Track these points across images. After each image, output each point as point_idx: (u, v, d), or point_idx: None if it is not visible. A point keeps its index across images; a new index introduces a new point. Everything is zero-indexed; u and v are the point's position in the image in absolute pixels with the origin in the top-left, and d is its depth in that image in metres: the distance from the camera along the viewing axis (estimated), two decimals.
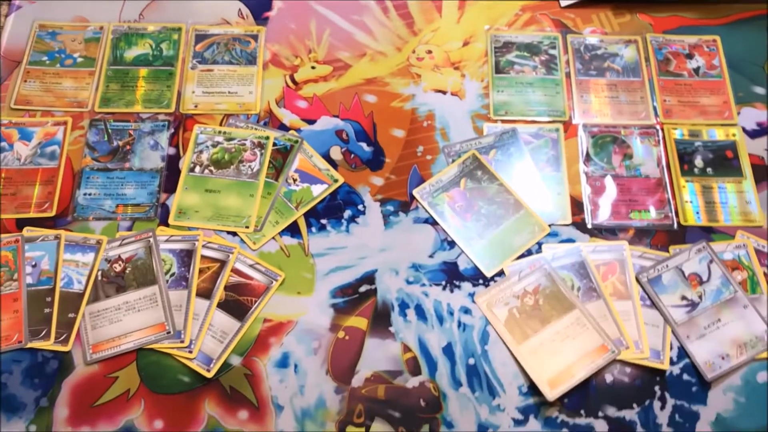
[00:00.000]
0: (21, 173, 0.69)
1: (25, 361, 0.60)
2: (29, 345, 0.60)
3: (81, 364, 0.60)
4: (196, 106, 0.73)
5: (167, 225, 0.66)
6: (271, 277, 0.64)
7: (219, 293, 0.63)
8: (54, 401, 0.59)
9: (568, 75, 0.76)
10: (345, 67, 0.76)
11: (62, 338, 0.61)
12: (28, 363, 0.60)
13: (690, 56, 0.77)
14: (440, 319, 0.63)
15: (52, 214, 0.67)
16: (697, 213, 0.68)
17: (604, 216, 0.68)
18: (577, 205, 0.68)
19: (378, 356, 0.61)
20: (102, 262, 0.64)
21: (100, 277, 0.63)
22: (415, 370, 0.61)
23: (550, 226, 0.67)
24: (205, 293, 0.63)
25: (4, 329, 0.61)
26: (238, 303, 0.63)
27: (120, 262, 0.64)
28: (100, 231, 0.66)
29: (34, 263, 0.64)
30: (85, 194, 0.68)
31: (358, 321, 0.63)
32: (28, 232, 0.65)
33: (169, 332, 0.61)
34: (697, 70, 0.76)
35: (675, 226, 0.67)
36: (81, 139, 0.71)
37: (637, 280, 0.64)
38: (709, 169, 0.70)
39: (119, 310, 0.62)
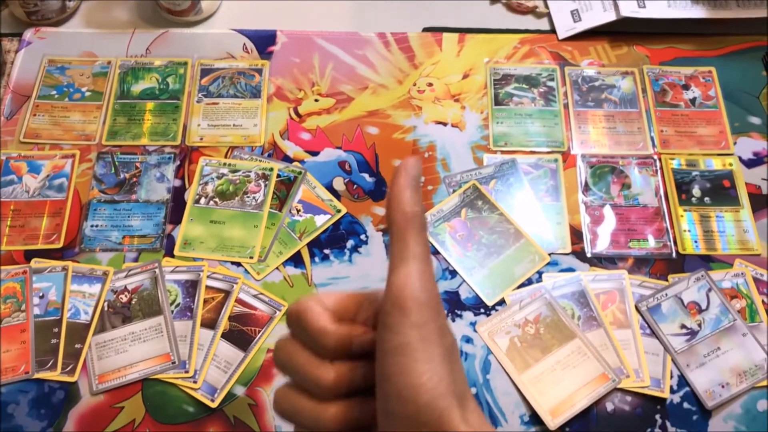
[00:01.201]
0: (29, 205, 0.70)
1: (31, 392, 0.61)
2: (36, 375, 0.61)
3: (87, 394, 0.61)
4: (201, 139, 0.74)
5: (173, 256, 0.67)
6: (275, 307, 0.65)
7: (223, 323, 0.64)
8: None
9: (566, 106, 0.77)
10: (348, 100, 0.77)
11: (69, 369, 0.62)
12: (35, 393, 0.61)
13: (686, 87, 0.78)
14: None
15: (60, 245, 0.68)
16: (696, 242, 0.69)
17: (603, 245, 0.69)
18: (576, 235, 0.69)
19: None
20: (108, 293, 0.65)
21: (106, 308, 0.64)
22: None
23: (550, 255, 0.68)
24: (210, 323, 0.64)
25: (11, 360, 0.62)
26: (242, 333, 0.64)
27: (126, 293, 0.65)
28: (107, 262, 0.67)
29: (41, 294, 0.65)
30: (92, 226, 0.69)
31: None
32: (36, 263, 0.66)
33: (174, 362, 0.62)
34: (693, 101, 0.77)
35: (674, 254, 0.68)
36: (88, 172, 0.72)
37: (637, 308, 0.65)
38: (706, 199, 0.71)
39: (125, 340, 0.63)
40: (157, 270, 0.66)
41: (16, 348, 0.62)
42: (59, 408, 0.60)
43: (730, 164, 0.73)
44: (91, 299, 0.65)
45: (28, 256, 0.67)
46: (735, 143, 0.75)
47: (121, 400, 0.61)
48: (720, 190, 0.72)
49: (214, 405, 0.60)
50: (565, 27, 0.82)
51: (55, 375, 0.61)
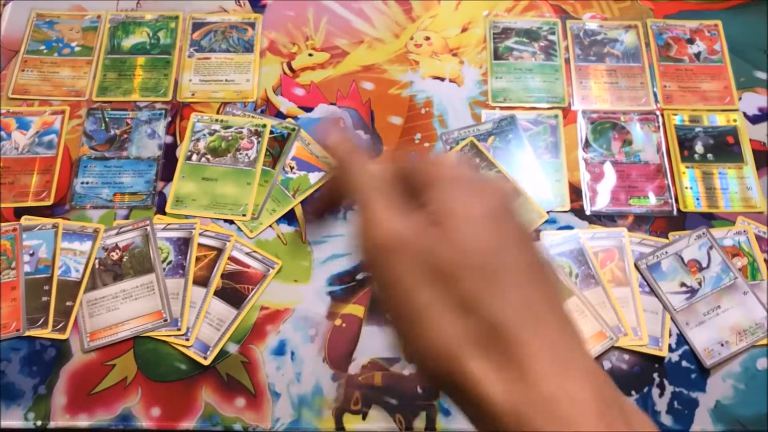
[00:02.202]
0: (19, 162, 0.69)
1: (23, 349, 0.61)
2: (27, 333, 0.61)
3: (78, 352, 0.60)
4: (193, 95, 0.73)
5: (164, 213, 0.66)
6: (268, 265, 0.64)
7: (216, 281, 0.63)
8: (52, 389, 0.59)
9: (567, 61, 0.75)
10: (342, 55, 0.75)
11: (60, 326, 0.61)
12: (27, 351, 0.60)
13: (691, 41, 0.76)
14: None
15: (50, 202, 0.67)
16: (697, 199, 0.67)
17: (603, 202, 0.67)
18: (575, 192, 0.68)
19: (375, 344, 0.61)
20: (99, 251, 0.64)
21: (97, 266, 0.63)
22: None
23: (548, 212, 0.66)
24: (202, 281, 0.63)
25: (2, 318, 0.61)
26: (234, 291, 0.63)
27: (117, 251, 0.64)
28: (98, 219, 0.66)
29: (32, 252, 0.64)
30: (82, 183, 0.68)
31: (355, 308, 0.63)
32: (26, 220, 0.66)
33: (166, 320, 0.61)
34: (698, 55, 0.75)
35: (675, 212, 0.67)
36: (78, 128, 0.71)
37: (636, 266, 0.64)
38: (709, 155, 0.70)
39: (116, 298, 0.62)
40: (148, 227, 0.65)
41: (6, 305, 0.61)
42: (51, 365, 0.60)
43: (735, 120, 0.71)
44: (82, 257, 0.64)
45: (18, 213, 0.66)
46: (740, 99, 0.73)
47: (113, 358, 0.60)
48: (723, 147, 0.70)
49: (206, 362, 0.60)
50: None
51: (46, 332, 0.61)
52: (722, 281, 0.63)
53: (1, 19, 0.77)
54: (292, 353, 0.61)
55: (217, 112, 0.71)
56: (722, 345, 0.61)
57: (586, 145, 0.70)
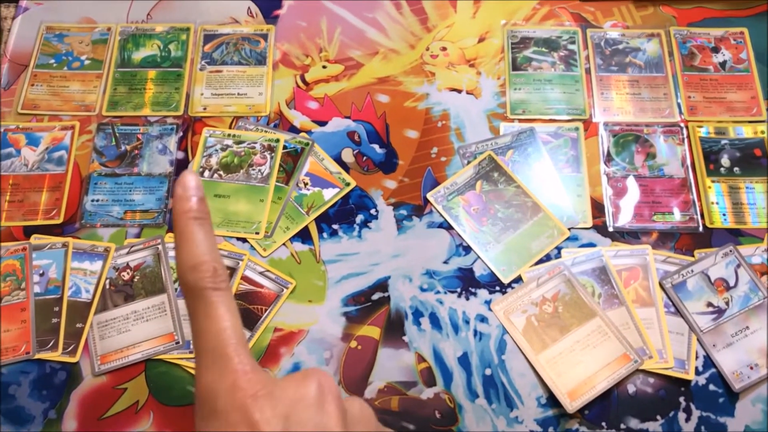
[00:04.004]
0: (28, 179, 0.68)
1: (32, 373, 0.59)
2: (37, 356, 0.59)
3: (89, 375, 0.59)
4: (204, 109, 0.71)
5: None
6: (282, 284, 0.62)
7: None
8: (62, 413, 0.58)
9: (588, 71, 0.73)
10: (357, 66, 0.74)
11: (70, 349, 0.60)
12: (36, 374, 0.59)
13: (716, 50, 0.74)
14: (455, 328, 0.61)
15: (60, 221, 0.66)
16: (724, 215, 0.65)
17: (626, 219, 0.65)
18: (597, 208, 0.66)
19: (391, 366, 0.60)
20: (110, 270, 0.63)
21: (108, 286, 0.62)
22: (430, 381, 0.59)
23: (569, 229, 0.65)
24: None
25: (12, 340, 0.60)
26: (248, 312, 0.61)
27: (128, 270, 0.63)
28: (108, 238, 0.65)
29: (41, 272, 0.63)
30: (92, 200, 0.66)
31: (371, 330, 0.61)
32: (35, 239, 0.64)
33: (178, 342, 0.60)
34: (723, 65, 0.73)
35: (700, 228, 0.65)
36: (88, 144, 0.69)
37: (661, 285, 0.62)
38: (736, 169, 0.67)
39: (127, 319, 0.61)
40: (160, 246, 0.64)
41: (16, 327, 0.60)
42: (61, 389, 0.59)
43: (762, 132, 0.69)
44: (93, 277, 0.63)
45: (28, 232, 0.65)
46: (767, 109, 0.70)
47: (124, 382, 0.59)
48: (751, 160, 0.68)
49: None
50: None
51: (56, 355, 0.60)
52: (751, 301, 0.61)
53: (11, 32, 0.76)
54: None
55: (230, 127, 0.70)
56: (751, 368, 0.58)
57: (608, 158, 0.68)
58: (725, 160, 0.68)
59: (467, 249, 0.64)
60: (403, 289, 0.63)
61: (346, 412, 0.33)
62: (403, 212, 0.66)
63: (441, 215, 0.66)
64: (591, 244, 0.64)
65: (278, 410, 0.31)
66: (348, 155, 0.69)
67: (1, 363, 0.59)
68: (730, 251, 0.63)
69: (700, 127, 0.69)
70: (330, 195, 0.67)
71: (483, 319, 0.61)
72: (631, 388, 0.58)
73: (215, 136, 0.69)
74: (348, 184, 0.67)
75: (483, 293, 0.62)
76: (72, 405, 0.58)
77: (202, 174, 0.67)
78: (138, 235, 0.65)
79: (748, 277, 0.62)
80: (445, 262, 0.64)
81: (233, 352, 0.31)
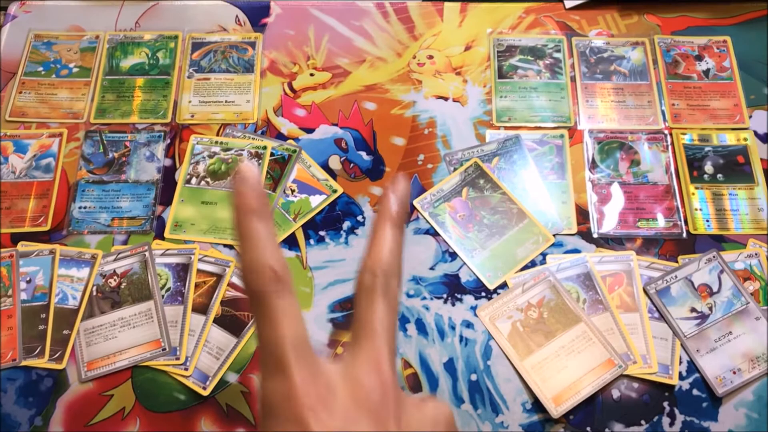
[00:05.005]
0: (16, 186, 0.68)
1: (19, 380, 0.59)
2: (23, 363, 0.59)
3: (75, 382, 0.59)
4: (192, 116, 0.71)
5: (163, 238, 0.65)
6: None
7: (215, 308, 0.62)
8: (48, 420, 0.58)
9: (573, 79, 0.74)
10: (344, 74, 0.74)
11: (57, 356, 0.60)
12: (23, 381, 0.59)
13: (699, 58, 0.75)
14: (441, 334, 0.61)
15: (47, 228, 0.66)
16: (707, 221, 0.66)
17: (610, 225, 0.66)
18: (582, 214, 0.66)
19: None
20: (97, 277, 0.63)
21: (95, 293, 0.62)
22: (416, 387, 0.59)
23: (554, 236, 0.65)
24: (201, 308, 0.62)
25: None
26: (234, 318, 0.62)
27: (115, 277, 0.63)
28: (96, 245, 0.65)
29: (28, 279, 0.63)
30: (80, 207, 0.67)
31: None
32: (22, 246, 0.64)
33: (164, 349, 0.60)
34: (707, 72, 0.74)
35: (684, 234, 0.65)
36: (76, 151, 0.70)
37: (645, 291, 0.62)
38: (719, 175, 0.68)
39: (114, 326, 0.61)
40: (146, 253, 0.64)
41: (3, 335, 0.60)
42: (47, 396, 0.59)
43: (745, 139, 0.70)
44: (80, 284, 0.63)
45: (15, 239, 0.65)
46: (750, 117, 0.71)
47: (111, 388, 0.59)
48: (734, 167, 0.69)
49: (206, 393, 0.59)
50: None
51: (42, 362, 0.60)
52: (734, 306, 0.61)
53: None
54: None
55: (217, 134, 0.70)
56: (734, 372, 0.59)
57: (593, 165, 0.69)
58: (709, 167, 0.69)
59: (453, 255, 0.65)
60: None
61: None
62: None
63: (427, 222, 0.66)
64: (576, 251, 0.65)
65: (335, 422, 0.30)
66: (335, 162, 0.69)
67: None
68: (714, 257, 0.63)
69: (684, 134, 0.70)
70: (317, 202, 0.67)
71: (469, 324, 0.62)
72: (615, 393, 0.59)
73: (203, 143, 0.70)
74: (335, 191, 0.67)
75: (469, 299, 0.63)
76: (58, 411, 0.58)
77: (189, 181, 0.67)
78: (125, 242, 0.65)
79: (731, 283, 0.62)
80: (431, 268, 0.64)
81: (292, 360, 0.31)
